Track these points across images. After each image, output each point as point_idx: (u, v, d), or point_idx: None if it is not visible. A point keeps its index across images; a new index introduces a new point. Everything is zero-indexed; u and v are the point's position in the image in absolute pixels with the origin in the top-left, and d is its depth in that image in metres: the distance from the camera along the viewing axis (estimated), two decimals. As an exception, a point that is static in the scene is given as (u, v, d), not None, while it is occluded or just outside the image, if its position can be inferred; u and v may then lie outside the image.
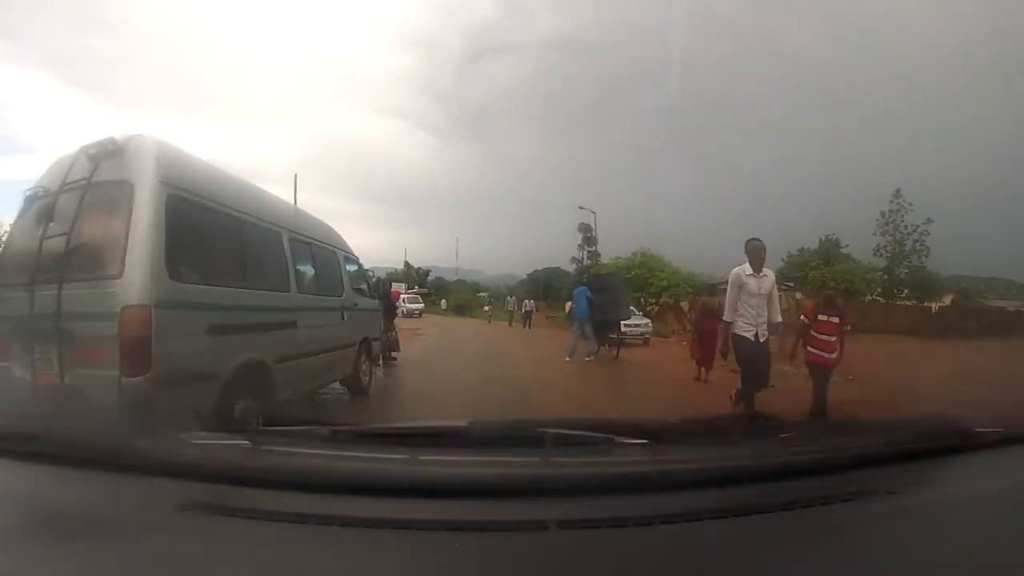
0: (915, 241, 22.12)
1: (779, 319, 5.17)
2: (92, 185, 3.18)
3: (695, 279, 20.17)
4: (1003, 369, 9.48)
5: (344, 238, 6.78)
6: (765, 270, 5.11)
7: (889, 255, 22.65)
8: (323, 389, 5.83)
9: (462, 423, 1.28)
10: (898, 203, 22.45)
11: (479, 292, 43.71)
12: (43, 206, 3.34)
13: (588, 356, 10.75)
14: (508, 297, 28.80)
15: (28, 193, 3.48)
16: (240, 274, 3.91)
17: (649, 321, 17.63)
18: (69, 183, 3.28)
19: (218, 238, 3.78)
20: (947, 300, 23.27)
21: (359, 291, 6.69)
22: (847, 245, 23.07)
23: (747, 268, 5.08)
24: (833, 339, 5.29)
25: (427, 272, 54.59)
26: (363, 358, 6.49)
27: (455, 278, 54.09)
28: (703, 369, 8.57)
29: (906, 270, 22.11)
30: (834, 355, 5.30)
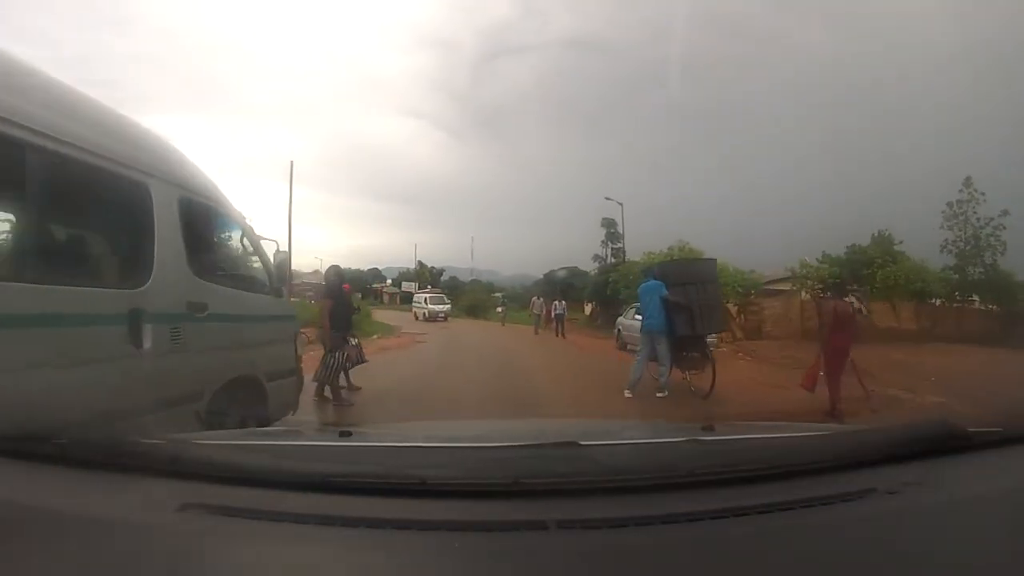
0: (988, 235, 19.09)
1: None
2: None
3: (744, 277, 17.49)
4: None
5: (188, 162, 3.19)
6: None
7: (959, 252, 19.62)
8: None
9: (463, 424, 1.40)
10: (969, 192, 19.44)
11: (494, 292, 41.36)
12: None
13: (661, 392, 7.10)
14: (534, 299, 23.65)
15: None
16: None
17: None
18: None
19: None
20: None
21: (225, 277, 3.38)
22: (901, 242, 20.42)
23: None
24: None
25: (441, 272, 52.77)
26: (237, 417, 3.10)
27: (470, 278, 52.15)
28: (833, 398, 6.12)
29: (980, 269, 19.13)
30: None
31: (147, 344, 2.57)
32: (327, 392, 6.31)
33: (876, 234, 21.93)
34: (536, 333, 20.51)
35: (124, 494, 1.02)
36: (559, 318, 20.12)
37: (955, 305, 19.68)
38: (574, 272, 33.40)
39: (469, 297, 40.77)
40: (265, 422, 3.02)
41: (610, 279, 21.97)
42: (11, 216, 2.39)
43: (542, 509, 0.92)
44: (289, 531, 0.88)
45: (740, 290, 17.59)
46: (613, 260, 27.60)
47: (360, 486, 0.98)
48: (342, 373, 6.54)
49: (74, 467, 1.08)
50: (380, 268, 57.19)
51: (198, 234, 3.05)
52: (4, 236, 2.41)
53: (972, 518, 0.98)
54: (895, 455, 1.15)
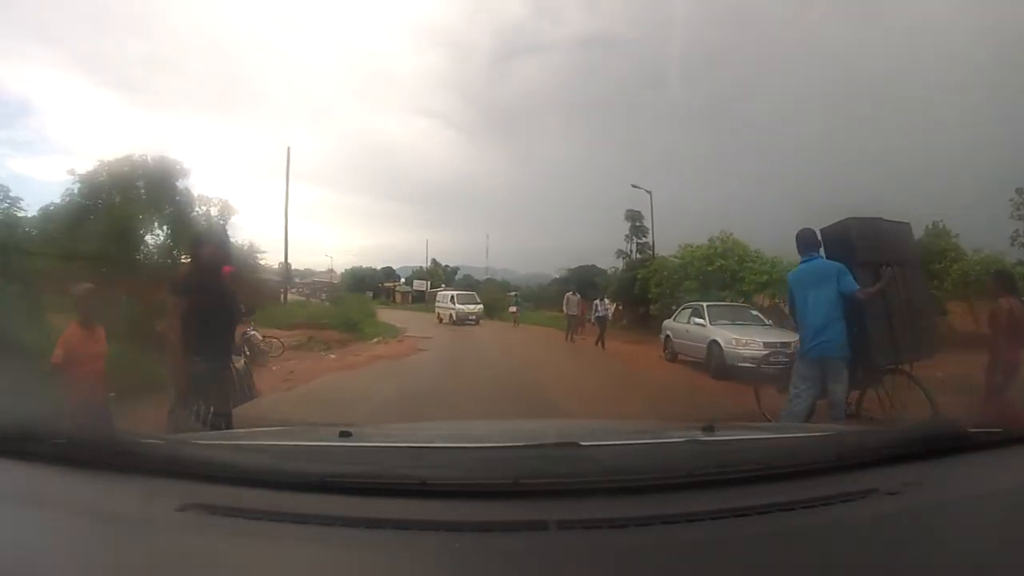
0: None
1: None
2: None
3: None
4: None
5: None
6: None
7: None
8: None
9: (463, 424, 1.39)
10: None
11: (509, 291, 39.20)
12: None
13: None
14: (568, 295, 17.96)
15: None
16: None
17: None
18: None
19: None
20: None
21: None
22: (957, 235, 18.67)
23: None
24: None
25: (455, 270, 50.85)
26: None
27: (485, 277, 50.18)
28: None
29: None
30: None
31: None
32: None
33: (930, 226, 19.63)
34: (569, 340, 16.06)
35: (124, 494, 1.03)
36: (601, 321, 15.22)
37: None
38: (590, 270, 31.08)
39: (484, 296, 38.79)
40: None
41: (638, 276, 19.66)
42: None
43: (542, 509, 0.93)
44: (289, 531, 0.89)
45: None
46: (639, 255, 25.14)
47: (360, 486, 0.99)
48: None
49: (74, 467, 1.09)
50: (395, 267, 55.41)
51: None
52: None
53: (972, 518, 0.99)
54: (895, 455, 1.16)
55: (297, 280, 34.26)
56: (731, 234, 17.27)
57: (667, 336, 11.58)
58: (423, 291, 43.11)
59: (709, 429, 1.44)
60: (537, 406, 6.32)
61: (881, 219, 5.02)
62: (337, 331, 14.79)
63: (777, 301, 14.18)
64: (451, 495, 0.97)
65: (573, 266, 33.18)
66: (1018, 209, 17.83)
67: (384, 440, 1.51)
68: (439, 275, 48.67)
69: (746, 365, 7.28)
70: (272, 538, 0.87)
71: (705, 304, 11.13)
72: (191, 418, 3.07)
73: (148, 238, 12.54)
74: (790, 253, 5.76)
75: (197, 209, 13.56)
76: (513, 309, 27.97)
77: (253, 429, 1.71)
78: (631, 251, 27.58)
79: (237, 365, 3.97)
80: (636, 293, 19.46)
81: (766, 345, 7.99)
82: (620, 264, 26.51)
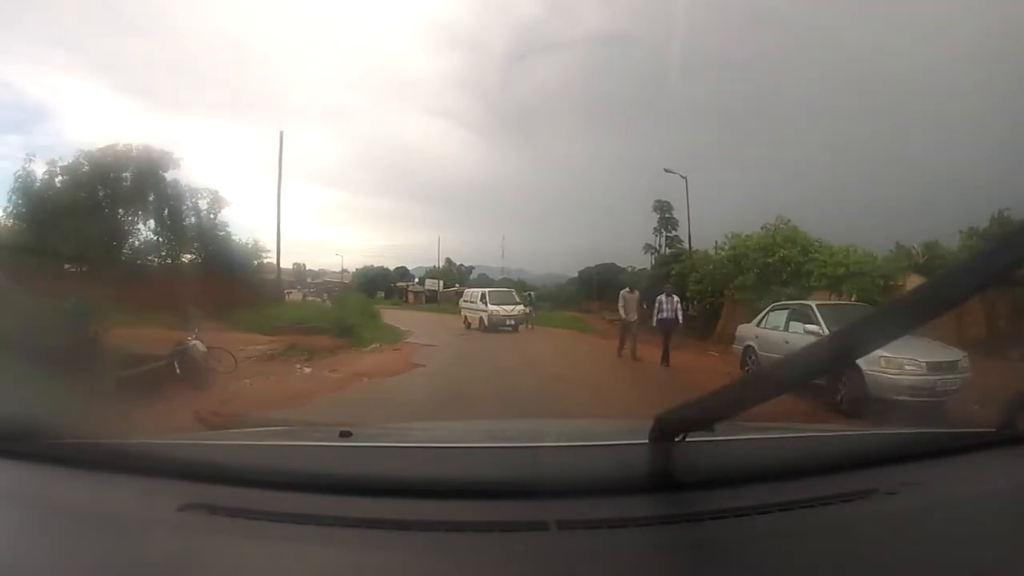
0: None
1: None
2: None
3: (875, 262, 12.11)
4: None
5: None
6: None
7: None
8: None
9: (463, 425, 1.38)
10: None
11: (525, 291, 36.91)
12: None
13: None
14: (624, 292, 11.86)
15: None
16: None
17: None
18: None
19: None
20: None
21: None
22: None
23: None
24: None
25: (470, 270, 48.77)
26: None
27: (500, 277, 48.17)
28: None
29: None
30: None
31: None
32: None
33: (996, 214, 16.66)
34: (623, 354, 10.78)
35: (124, 494, 1.04)
36: (667, 326, 10.47)
37: None
38: (610, 269, 28.88)
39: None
40: None
41: (673, 272, 17.33)
42: None
43: (542, 509, 0.94)
44: (289, 531, 0.91)
45: (881, 281, 12.15)
46: (670, 250, 22.69)
47: (360, 486, 1.01)
48: None
49: (74, 467, 1.11)
50: (410, 267, 54.20)
51: None
52: None
53: (971, 518, 0.99)
54: (895, 456, 1.16)
55: (308, 280, 33.06)
56: (788, 220, 14.56)
57: (748, 347, 8.48)
58: (435, 291, 41.48)
59: (709, 430, 1.43)
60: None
61: None
62: (330, 336, 12.67)
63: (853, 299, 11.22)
64: (451, 495, 0.99)
65: (592, 264, 31.00)
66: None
67: (384, 440, 1.54)
68: (453, 274, 46.72)
69: (903, 398, 4.67)
70: (272, 538, 0.89)
71: (814, 303, 8.04)
72: None
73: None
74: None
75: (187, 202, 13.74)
76: (527, 310, 24.59)
77: (253, 429, 1.68)
78: (660, 245, 25.27)
79: None
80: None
81: (930, 367, 5.38)
82: (650, 260, 24.80)
